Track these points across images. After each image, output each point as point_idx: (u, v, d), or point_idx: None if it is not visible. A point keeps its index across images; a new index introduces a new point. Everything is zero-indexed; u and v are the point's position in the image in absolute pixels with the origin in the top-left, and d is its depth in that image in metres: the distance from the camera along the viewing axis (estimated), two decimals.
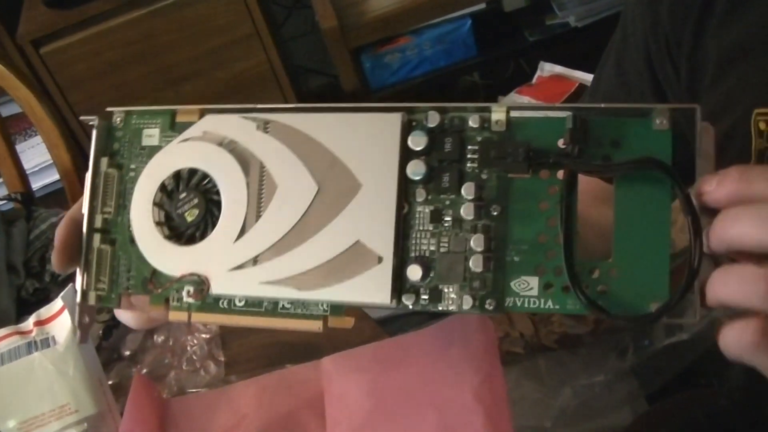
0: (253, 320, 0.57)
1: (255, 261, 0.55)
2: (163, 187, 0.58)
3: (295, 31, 2.56)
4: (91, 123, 0.59)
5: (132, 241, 0.58)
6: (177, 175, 0.58)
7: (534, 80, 2.08)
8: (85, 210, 0.59)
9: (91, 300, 0.59)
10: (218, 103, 0.59)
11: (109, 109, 0.60)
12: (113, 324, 1.00)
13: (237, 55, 2.14)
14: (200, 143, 0.57)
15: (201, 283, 0.56)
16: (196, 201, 0.56)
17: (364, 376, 0.80)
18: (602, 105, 0.50)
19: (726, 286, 0.44)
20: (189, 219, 0.56)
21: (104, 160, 0.59)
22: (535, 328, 1.38)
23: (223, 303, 0.57)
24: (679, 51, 0.72)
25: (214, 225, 0.56)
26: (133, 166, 0.59)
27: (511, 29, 2.23)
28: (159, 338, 1.00)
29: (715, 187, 0.46)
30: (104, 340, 1.00)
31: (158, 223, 0.57)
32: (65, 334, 0.84)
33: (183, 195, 0.57)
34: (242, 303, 0.56)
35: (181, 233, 0.57)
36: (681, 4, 0.71)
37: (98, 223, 0.59)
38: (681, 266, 0.47)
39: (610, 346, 1.37)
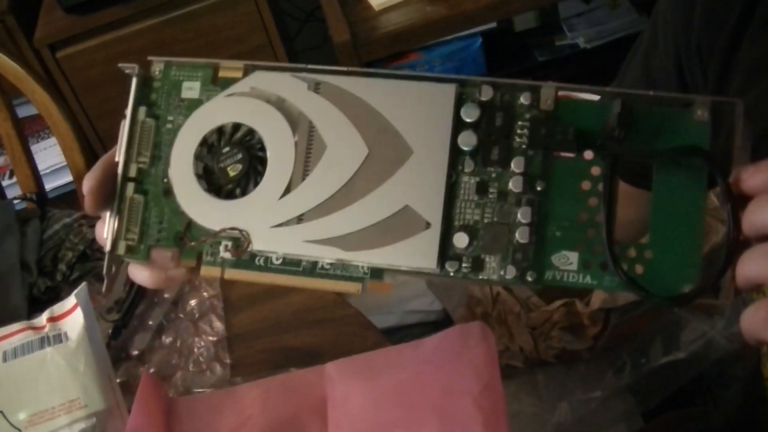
0: (290, 279, 0.56)
1: (299, 219, 0.54)
2: (204, 141, 0.57)
3: (307, 43, 2.58)
4: (128, 71, 0.59)
5: (166, 193, 0.57)
6: (220, 130, 0.57)
7: None
8: (120, 158, 0.58)
9: (121, 250, 0.58)
10: None
11: (150, 58, 0.60)
12: (122, 324, 1.02)
13: None
14: (248, 99, 0.57)
15: (240, 239, 0.55)
16: (239, 156, 0.56)
17: (367, 382, 0.82)
18: (650, 93, 0.52)
19: (752, 262, 0.46)
20: (231, 174, 0.56)
21: (142, 110, 0.58)
22: (535, 343, 1.39)
23: (259, 261, 0.56)
24: (710, 57, 0.73)
25: (256, 182, 0.56)
26: (170, 118, 0.58)
27: (520, 48, 2.25)
28: (167, 339, 1.01)
29: (750, 174, 0.48)
30: (113, 340, 1.01)
31: (198, 176, 0.57)
32: (77, 330, 0.86)
33: (226, 150, 0.56)
34: (279, 261, 0.56)
35: (221, 187, 0.57)
36: (717, 11, 0.71)
37: (132, 172, 0.58)
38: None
39: (607, 363, 1.39)
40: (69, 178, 1.63)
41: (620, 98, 0.52)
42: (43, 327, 0.87)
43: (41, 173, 1.55)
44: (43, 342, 0.85)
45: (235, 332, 1.01)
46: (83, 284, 0.89)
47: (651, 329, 1.38)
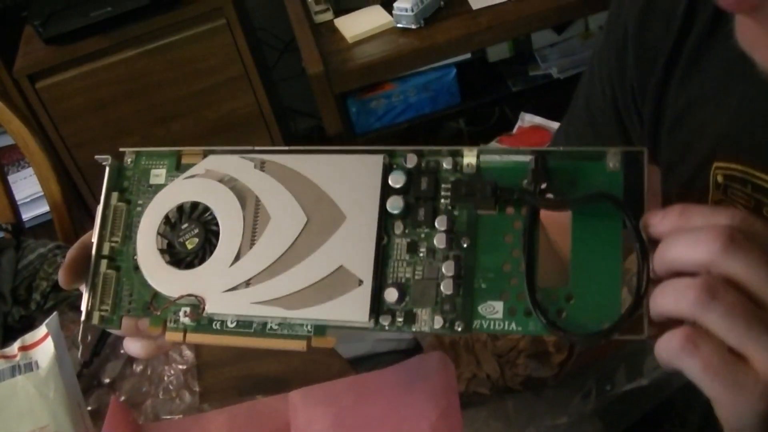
0: (243, 340, 0.61)
1: (248, 283, 0.59)
2: (167, 219, 0.63)
3: (285, 72, 2.60)
4: (104, 162, 0.65)
5: (135, 268, 0.63)
6: (180, 208, 0.63)
7: (514, 130, 2.14)
8: (94, 238, 0.64)
9: (95, 320, 0.64)
10: (207, 142, 0.64)
11: (121, 149, 0.66)
12: (94, 352, 1.04)
13: (226, 96, 2.19)
14: (203, 180, 0.63)
15: (197, 304, 0.60)
16: (196, 231, 0.62)
17: (329, 409, 0.84)
18: (561, 149, 0.56)
19: (663, 296, 0.49)
20: (189, 247, 0.62)
21: (115, 195, 0.65)
22: (501, 370, 1.41)
23: (216, 324, 0.61)
24: (643, 99, 0.76)
25: (211, 252, 0.61)
26: (140, 202, 0.64)
27: (494, 78, 2.29)
28: (138, 367, 1.03)
29: (659, 219, 0.52)
30: (85, 368, 1.03)
31: (161, 251, 0.62)
32: (48, 359, 0.88)
33: (185, 225, 0.62)
34: (234, 324, 0.61)
35: (181, 259, 0.62)
36: (647, 53, 0.74)
37: (106, 251, 0.64)
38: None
39: (573, 390, 1.40)
40: (47, 207, 1.65)
41: (533, 156, 0.56)
42: (15, 356, 0.88)
43: (20, 202, 1.57)
44: (14, 370, 0.87)
45: (204, 361, 1.03)
46: (54, 314, 0.91)
47: (615, 357, 1.40)
